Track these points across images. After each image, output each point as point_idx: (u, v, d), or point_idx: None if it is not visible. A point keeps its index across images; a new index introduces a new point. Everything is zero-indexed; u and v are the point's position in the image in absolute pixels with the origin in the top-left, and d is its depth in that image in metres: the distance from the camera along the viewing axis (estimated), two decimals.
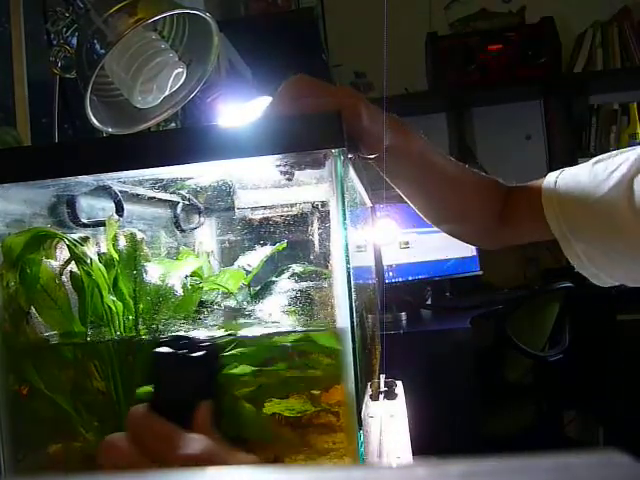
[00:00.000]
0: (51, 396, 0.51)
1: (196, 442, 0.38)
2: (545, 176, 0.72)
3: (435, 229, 0.77)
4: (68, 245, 0.53)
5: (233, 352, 0.49)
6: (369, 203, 0.88)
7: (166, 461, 0.37)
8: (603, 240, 0.67)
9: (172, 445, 0.38)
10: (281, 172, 0.53)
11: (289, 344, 0.51)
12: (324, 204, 0.60)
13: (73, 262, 0.54)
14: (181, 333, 0.44)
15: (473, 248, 2.32)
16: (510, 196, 0.75)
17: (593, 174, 0.67)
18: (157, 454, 0.38)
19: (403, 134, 0.62)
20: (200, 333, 0.44)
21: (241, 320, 0.61)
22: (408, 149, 0.63)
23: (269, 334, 0.53)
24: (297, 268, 0.66)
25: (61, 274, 0.54)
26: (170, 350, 0.40)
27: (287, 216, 0.70)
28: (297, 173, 0.55)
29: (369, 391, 0.71)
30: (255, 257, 0.67)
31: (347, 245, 0.47)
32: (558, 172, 0.71)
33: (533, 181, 0.74)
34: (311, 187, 0.63)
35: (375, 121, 0.56)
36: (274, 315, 0.59)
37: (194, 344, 0.40)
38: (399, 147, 0.61)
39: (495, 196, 0.75)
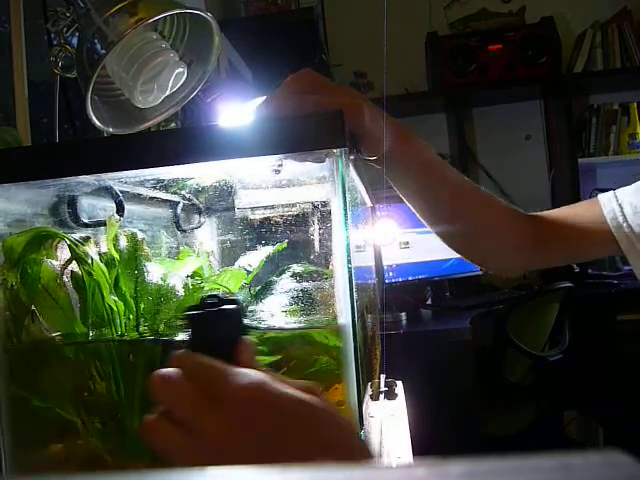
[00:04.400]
0: (52, 396, 0.51)
1: (252, 373, 0.36)
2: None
3: None
4: (69, 245, 0.53)
5: None
6: (369, 203, 0.88)
7: (222, 391, 0.35)
8: None
9: (230, 377, 0.36)
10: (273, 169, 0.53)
11: (289, 342, 0.51)
12: (325, 204, 0.60)
13: (74, 262, 0.54)
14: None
15: None
16: (543, 221, 0.73)
17: None
18: (215, 386, 0.36)
19: (407, 141, 0.61)
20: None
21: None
22: (410, 157, 0.62)
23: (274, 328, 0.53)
24: (298, 268, 0.66)
25: (62, 274, 0.54)
26: (200, 310, 0.41)
27: (288, 216, 0.70)
28: (297, 173, 0.55)
29: (369, 391, 0.71)
30: (256, 257, 0.67)
31: (348, 245, 0.47)
32: (610, 194, 0.71)
33: (571, 205, 0.74)
34: (312, 187, 0.63)
35: (377, 123, 0.55)
36: (275, 315, 0.59)
37: (221, 300, 0.41)
38: (401, 154, 0.60)
39: (513, 221, 0.73)
